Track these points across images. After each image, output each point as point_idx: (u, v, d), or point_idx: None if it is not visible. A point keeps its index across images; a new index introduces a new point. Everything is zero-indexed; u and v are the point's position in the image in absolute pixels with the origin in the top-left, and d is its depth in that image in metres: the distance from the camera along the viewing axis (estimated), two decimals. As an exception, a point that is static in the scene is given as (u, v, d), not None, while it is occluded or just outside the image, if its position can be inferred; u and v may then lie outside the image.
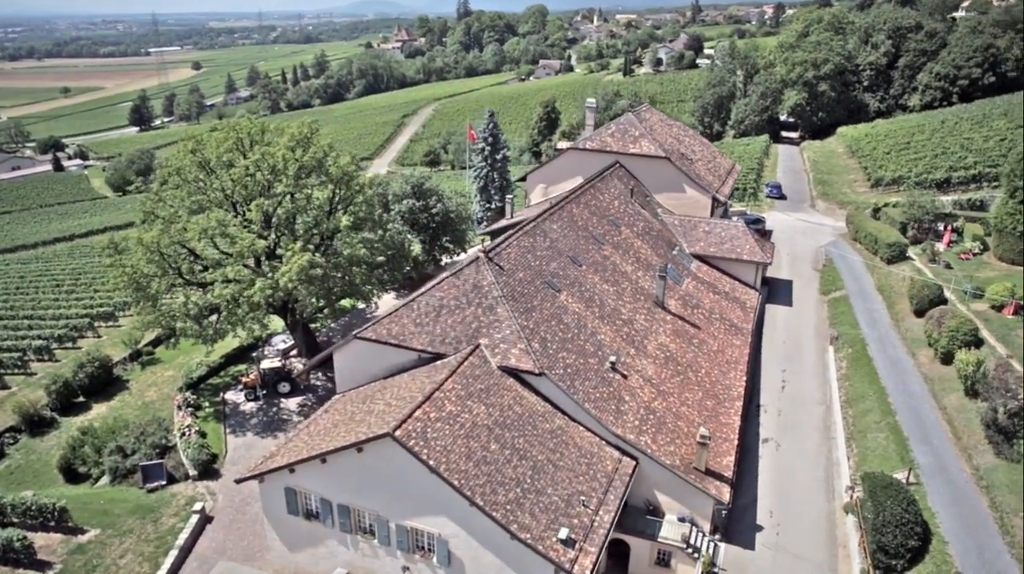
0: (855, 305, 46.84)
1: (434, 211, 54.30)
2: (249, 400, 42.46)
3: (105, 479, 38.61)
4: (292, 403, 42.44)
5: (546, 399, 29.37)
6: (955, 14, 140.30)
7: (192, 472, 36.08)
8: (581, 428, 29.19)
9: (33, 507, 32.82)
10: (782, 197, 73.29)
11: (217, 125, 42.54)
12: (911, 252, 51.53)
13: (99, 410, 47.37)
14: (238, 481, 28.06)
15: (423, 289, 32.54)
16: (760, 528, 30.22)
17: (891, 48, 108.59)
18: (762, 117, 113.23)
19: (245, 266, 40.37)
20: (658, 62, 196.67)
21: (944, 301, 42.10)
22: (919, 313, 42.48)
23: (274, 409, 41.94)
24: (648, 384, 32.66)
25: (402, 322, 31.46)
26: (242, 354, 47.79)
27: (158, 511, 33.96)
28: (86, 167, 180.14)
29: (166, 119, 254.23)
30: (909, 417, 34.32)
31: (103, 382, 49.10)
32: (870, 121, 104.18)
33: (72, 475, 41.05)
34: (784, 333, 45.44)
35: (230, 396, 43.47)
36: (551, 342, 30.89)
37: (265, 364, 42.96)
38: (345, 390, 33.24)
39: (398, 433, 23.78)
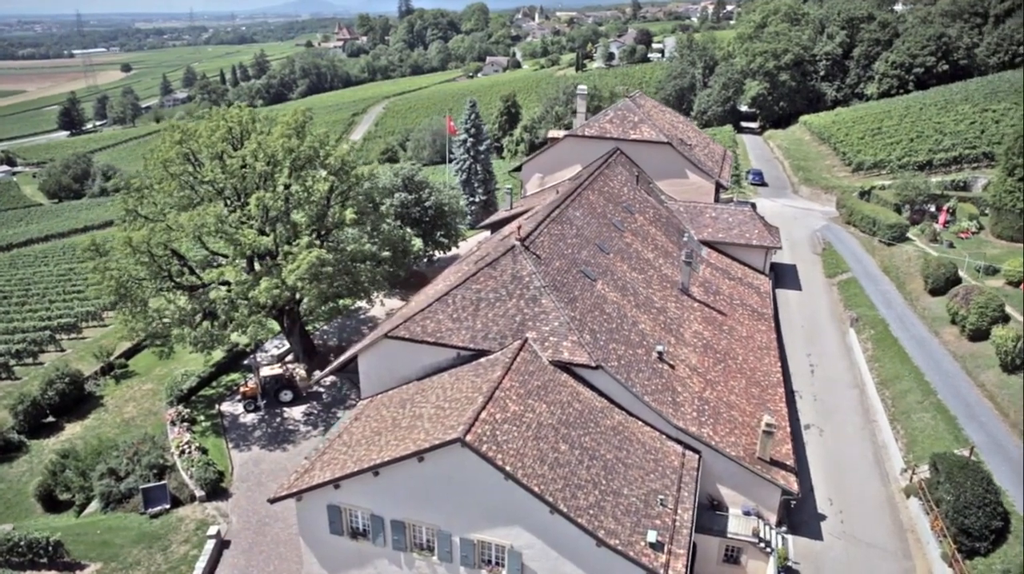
0: (866, 287, 46.59)
1: (427, 204, 51.87)
2: (248, 411, 39.29)
3: (95, 505, 35.01)
4: (296, 412, 39.45)
5: (602, 394, 27.52)
6: (896, 6, 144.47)
7: (199, 493, 32.83)
8: (640, 423, 27.44)
9: (22, 543, 29.16)
10: (763, 184, 73.36)
11: (205, 113, 39.12)
12: (910, 233, 51.74)
13: (73, 430, 43.45)
14: (272, 500, 25.16)
15: (456, 282, 30.21)
16: (823, 517, 29.10)
17: (846, 38, 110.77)
18: (724, 107, 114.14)
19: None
20: (610, 56, 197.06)
21: (959, 279, 42.08)
22: (935, 292, 42.37)
23: (277, 420, 38.86)
24: (695, 374, 31.16)
25: (437, 318, 29.07)
26: (233, 362, 44.36)
27: (166, 538, 30.71)
28: (14, 173, 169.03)
29: (98, 123, 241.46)
30: (950, 396, 33.85)
31: (74, 399, 45.21)
32: (829, 109, 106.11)
33: (51, 503, 37.27)
34: (800, 317, 44.79)
35: (226, 407, 40.19)
36: (599, 333, 29.05)
37: (265, 371, 39.81)
38: (372, 395, 30.62)
39: (468, 438, 21.53)
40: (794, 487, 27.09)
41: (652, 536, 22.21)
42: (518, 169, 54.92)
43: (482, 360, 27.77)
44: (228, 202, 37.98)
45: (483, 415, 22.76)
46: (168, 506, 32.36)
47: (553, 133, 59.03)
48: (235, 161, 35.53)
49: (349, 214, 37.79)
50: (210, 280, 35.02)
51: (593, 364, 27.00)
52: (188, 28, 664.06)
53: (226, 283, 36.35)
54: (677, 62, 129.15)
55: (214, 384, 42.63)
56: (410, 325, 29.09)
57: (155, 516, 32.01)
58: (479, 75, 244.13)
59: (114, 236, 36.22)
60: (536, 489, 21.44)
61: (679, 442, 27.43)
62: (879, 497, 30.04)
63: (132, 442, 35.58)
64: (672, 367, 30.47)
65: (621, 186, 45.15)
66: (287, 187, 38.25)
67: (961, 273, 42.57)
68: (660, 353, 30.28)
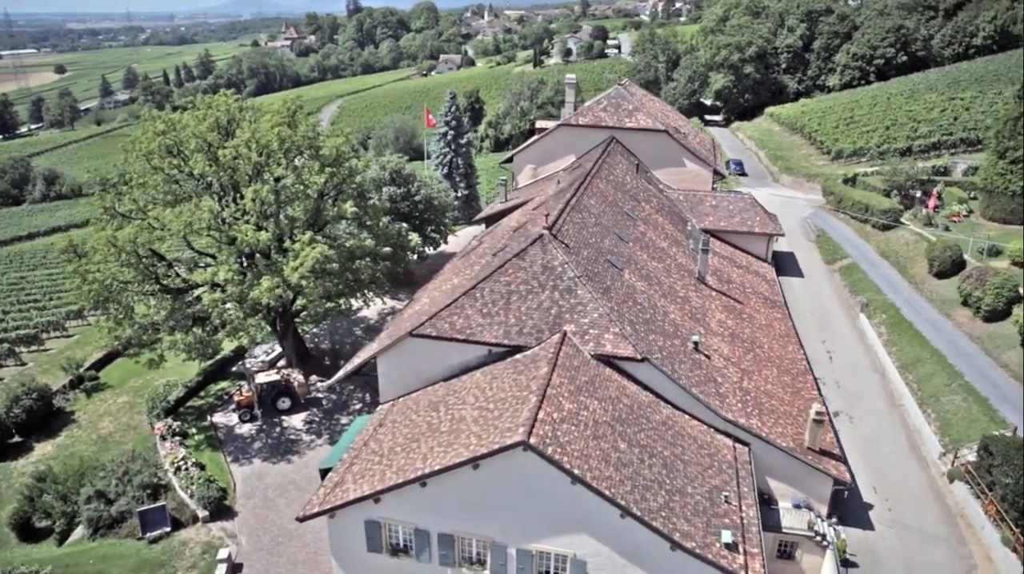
0: (867, 272, 46.41)
1: (416, 198, 49.73)
2: (244, 421, 36.61)
3: (80, 532, 32.00)
4: (296, 421, 36.91)
5: (646, 388, 26.04)
6: (851, 0, 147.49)
7: (201, 513, 30.14)
8: (687, 416, 26.05)
9: (8, 579, 26.14)
10: (743, 174, 73.29)
11: (195, 101, 36.23)
12: (903, 218, 51.90)
13: (44, 450, 40.10)
14: (302, 518, 22.86)
15: (483, 275, 28.35)
16: (870, 506, 28.25)
17: (806, 31, 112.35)
18: (690, 100, 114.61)
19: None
20: (567, 52, 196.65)
21: (964, 262, 42.14)
22: (941, 275, 42.34)
23: (277, 429, 36.27)
24: (730, 363, 29.98)
25: (466, 313, 27.17)
26: (220, 370, 41.42)
27: (169, 565, 28.02)
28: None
29: (34, 126, 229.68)
30: (977, 377, 33.53)
31: (43, 416, 41.69)
32: (792, 101, 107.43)
33: (27, 532, 34.02)
34: (808, 304, 44.26)
35: (219, 418, 37.35)
36: (637, 324, 27.59)
37: (261, 378, 37.12)
38: (393, 398, 28.51)
39: (532, 440, 19.76)
40: (846, 476, 26.17)
41: (727, 536, 20.83)
42: (509, 160, 53.21)
43: (518, 356, 25.98)
44: (216, 197, 35.22)
45: (540, 415, 21.02)
46: (168, 529, 29.59)
47: (541, 123, 57.70)
48: (228, 151, 32.82)
49: (349, 208, 35.47)
50: (203, 281, 32.25)
51: (639, 357, 25.51)
52: (124, 28, 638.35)
53: (217, 285, 33.54)
54: (640, 57, 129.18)
55: (202, 394, 39.69)
56: (436, 322, 27.12)
57: (154, 541, 29.21)
58: (433, 73, 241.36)
59: (95, 236, 33.05)
60: (607, 492, 19.82)
61: (727, 435, 26.18)
62: (921, 483, 29.39)
63: (121, 460, 32.63)
64: (708, 357, 29.22)
65: (624, 175, 43.90)
66: (278, 180, 35.71)
67: (965, 255, 42.65)
68: (696, 343, 28.99)
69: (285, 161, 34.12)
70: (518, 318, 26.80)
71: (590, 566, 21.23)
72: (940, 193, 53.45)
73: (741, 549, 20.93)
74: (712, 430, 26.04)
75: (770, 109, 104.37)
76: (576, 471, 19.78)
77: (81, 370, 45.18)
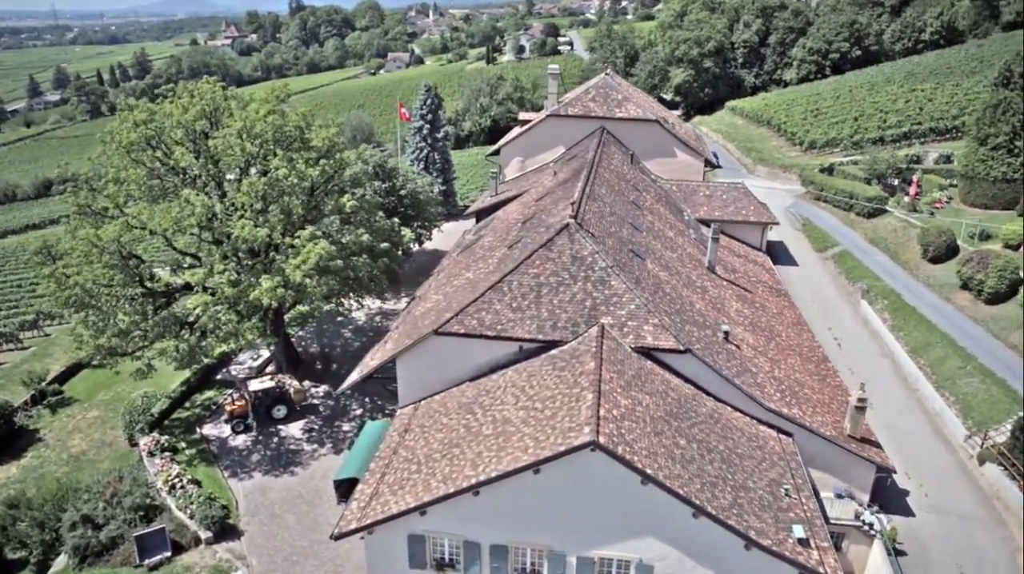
0: (861, 259, 46.63)
1: (402, 193, 47.77)
2: (237, 432, 34.19)
3: (63, 561, 29.13)
4: (294, 429, 34.66)
5: (687, 380, 24.98)
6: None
7: (204, 534, 27.73)
8: (729, 408, 25.10)
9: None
10: (718, 166, 73.27)
11: (176, 90, 33.56)
12: (887, 205, 52.44)
13: (8, 472, 36.88)
14: (338, 536, 20.95)
15: (509, 268, 26.84)
16: (906, 492, 27.83)
17: (762, 27, 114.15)
18: (652, 95, 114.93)
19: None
20: (520, 49, 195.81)
21: (958, 247, 42.63)
22: (935, 260, 42.72)
23: (274, 439, 33.94)
24: (757, 353, 29.21)
25: (494, 308, 25.63)
26: (204, 377, 38.71)
27: (175, 592, 25.58)
28: None
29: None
30: (988, 358, 33.67)
31: (4, 436, 38.26)
32: (750, 95, 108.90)
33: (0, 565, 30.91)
34: (806, 292, 44.06)
35: (209, 430, 34.77)
36: (671, 314, 26.51)
37: (255, 385, 34.71)
38: (414, 402, 26.74)
39: (601, 439, 18.40)
40: (890, 463, 25.67)
41: (799, 531, 19.92)
42: (496, 153, 51.69)
43: (554, 352, 24.57)
44: (203, 192, 32.65)
45: (601, 412, 19.67)
46: (169, 554, 27.10)
47: (524, 115, 56.49)
48: (218, 142, 30.39)
49: (348, 202, 33.46)
50: (197, 282, 29.76)
51: (681, 348, 24.43)
52: (49, 27, 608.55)
53: (207, 287, 31.07)
54: (599, 52, 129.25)
55: (187, 405, 36.97)
56: (463, 318, 25.51)
57: (155, 567, 26.70)
58: (382, 71, 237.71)
59: (68, 237, 30.17)
60: (681, 491, 18.61)
61: (768, 425, 25.34)
62: (951, 466, 29.21)
63: (107, 481, 29.85)
64: (738, 347, 28.39)
65: (621, 165, 42.92)
66: (265, 173, 33.42)
67: (958, 240, 43.16)
68: (726, 333, 28.12)
69: (280, 151, 31.85)
70: (551, 311, 25.40)
71: (657, 570, 20.01)
72: (919, 180, 54.28)
73: (813, 544, 20.03)
74: (754, 421, 25.15)
75: (730, 103, 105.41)
76: (648, 470, 18.51)
77: (43, 384, 41.75)
